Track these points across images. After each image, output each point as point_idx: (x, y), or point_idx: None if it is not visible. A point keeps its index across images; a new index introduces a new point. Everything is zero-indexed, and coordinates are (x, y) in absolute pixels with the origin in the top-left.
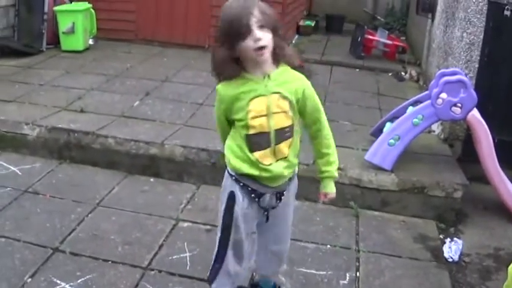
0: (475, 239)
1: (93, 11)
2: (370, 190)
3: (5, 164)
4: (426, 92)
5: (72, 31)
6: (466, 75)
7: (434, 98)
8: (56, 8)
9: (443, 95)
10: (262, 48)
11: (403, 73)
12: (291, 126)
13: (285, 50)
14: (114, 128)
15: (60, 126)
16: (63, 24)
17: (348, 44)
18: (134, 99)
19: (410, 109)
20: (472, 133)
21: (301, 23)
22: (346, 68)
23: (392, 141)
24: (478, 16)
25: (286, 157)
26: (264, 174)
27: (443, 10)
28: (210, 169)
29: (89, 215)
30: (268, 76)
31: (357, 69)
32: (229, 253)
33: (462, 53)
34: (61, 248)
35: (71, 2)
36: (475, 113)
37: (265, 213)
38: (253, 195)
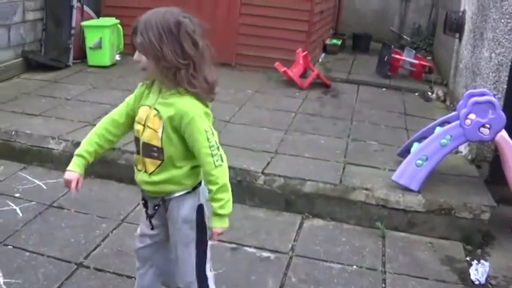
0: (502, 261)
1: (120, 26)
2: (397, 211)
3: (30, 178)
4: (454, 113)
5: (99, 46)
6: (494, 96)
7: (463, 119)
8: (83, 23)
9: (472, 116)
10: (143, 68)
11: (429, 93)
12: (159, 149)
13: (171, 78)
14: None
15: None
16: (90, 39)
17: (375, 63)
18: None
19: (438, 129)
20: (500, 154)
21: (328, 41)
22: (373, 87)
23: (419, 161)
24: (507, 37)
25: (150, 174)
26: (135, 175)
27: (471, 30)
28: (235, 187)
29: (114, 231)
30: (160, 91)
31: (384, 89)
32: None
33: (490, 73)
34: (85, 264)
35: (99, 17)
36: (504, 134)
37: (147, 219)
38: (142, 198)
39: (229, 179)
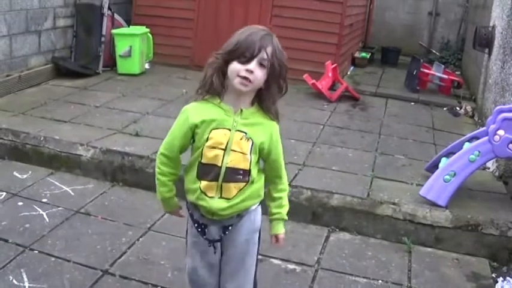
0: None
1: (150, 35)
2: (424, 226)
3: (58, 184)
4: (483, 128)
5: (129, 54)
6: None
7: (492, 135)
8: (114, 31)
9: (501, 132)
10: (246, 79)
11: (458, 108)
12: (247, 172)
13: (272, 103)
14: None
15: (114, 148)
16: (121, 47)
17: (403, 77)
18: None
19: (467, 145)
20: None
21: (357, 54)
22: (401, 101)
23: (448, 177)
24: None
25: (230, 198)
26: (203, 204)
27: (501, 45)
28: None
29: (140, 239)
30: (241, 111)
31: (412, 103)
32: (186, 278)
33: None
34: (111, 271)
35: (129, 26)
36: None
37: (210, 245)
38: (196, 225)
39: None
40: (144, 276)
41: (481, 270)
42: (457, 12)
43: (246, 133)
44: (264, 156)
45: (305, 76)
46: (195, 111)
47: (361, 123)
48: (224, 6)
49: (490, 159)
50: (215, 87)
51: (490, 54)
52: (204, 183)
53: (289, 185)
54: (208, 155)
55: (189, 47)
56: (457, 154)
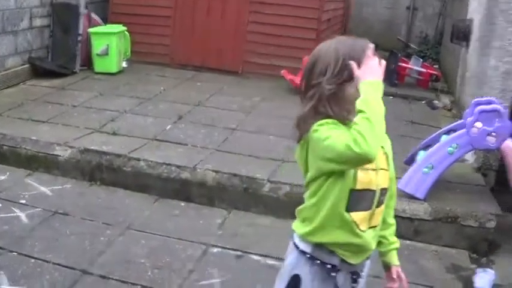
0: (507, 269)
1: (127, 33)
2: (403, 219)
3: (36, 185)
4: (461, 121)
5: (106, 53)
6: (501, 104)
7: (469, 127)
8: (90, 30)
9: (478, 124)
10: None
11: (436, 101)
12: (387, 190)
13: None
14: (146, 151)
15: (92, 148)
16: (97, 46)
17: None
18: (167, 122)
19: (445, 138)
20: (506, 163)
21: None
22: None
23: (426, 169)
24: None
25: (376, 226)
26: (355, 241)
27: (478, 39)
28: (241, 195)
29: (119, 238)
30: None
31: (391, 97)
32: None
33: (497, 82)
34: (90, 271)
35: (106, 24)
36: (510, 142)
37: None
38: (333, 273)
39: (235, 187)
40: (124, 275)
41: (461, 261)
42: (435, 7)
43: (383, 147)
44: (391, 169)
45: (283, 72)
46: (335, 123)
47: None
48: (202, 3)
49: (468, 152)
50: (335, 113)
51: (467, 47)
52: (356, 215)
53: (268, 180)
54: (363, 179)
55: (167, 45)
56: (435, 147)
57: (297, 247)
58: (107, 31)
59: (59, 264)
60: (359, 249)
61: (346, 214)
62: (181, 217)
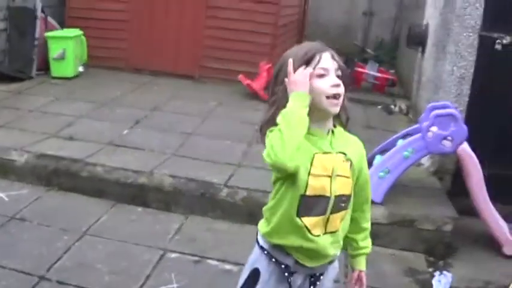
0: (465, 272)
1: (84, 38)
2: None
3: None
4: (416, 125)
5: (62, 57)
6: (456, 108)
7: (425, 131)
8: (47, 34)
9: (434, 128)
10: (335, 96)
11: (392, 106)
12: (348, 197)
13: (347, 111)
14: (103, 156)
15: (48, 153)
16: (54, 51)
17: None
18: (123, 127)
19: (401, 142)
20: (462, 167)
21: None
22: None
23: (382, 174)
24: (469, 50)
25: (335, 231)
26: (308, 245)
27: (434, 44)
28: (198, 199)
29: (76, 244)
30: (332, 132)
31: None
32: None
33: (452, 86)
34: (47, 276)
35: (62, 29)
36: (465, 146)
37: None
38: (286, 273)
39: (192, 192)
40: (81, 281)
41: (418, 265)
42: (391, 11)
43: (345, 154)
44: (357, 176)
45: (240, 77)
46: None
47: None
48: (158, 8)
49: (424, 156)
50: None
51: (423, 52)
52: (308, 220)
53: (225, 185)
54: (315, 185)
55: (123, 49)
56: (391, 151)
57: (258, 242)
58: (63, 35)
59: (15, 270)
60: (314, 253)
61: (297, 219)
62: (139, 222)
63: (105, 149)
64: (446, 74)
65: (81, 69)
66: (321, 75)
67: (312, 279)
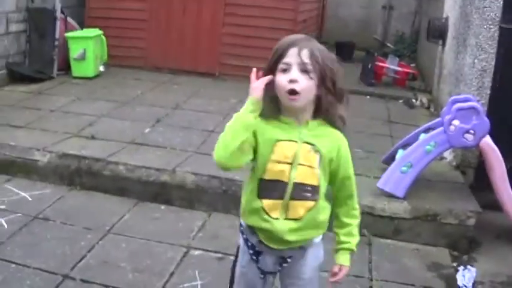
0: (489, 266)
1: (103, 37)
2: (383, 218)
3: (15, 190)
4: (438, 119)
5: (83, 57)
6: (478, 101)
7: (447, 125)
8: (67, 34)
9: (456, 122)
10: (294, 92)
11: (413, 100)
12: (315, 188)
13: (335, 108)
14: (125, 155)
15: (71, 152)
16: (74, 51)
17: (358, 71)
18: (145, 126)
19: (423, 136)
20: (485, 160)
21: None
22: (357, 95)
23: (404, 168)
24: (490, 42)
25: (298, 219)
26: (265, 226)
27: (454, 36)
28: (221, 196)
29: (99, 242)
30: (307, 123)
31: (368, 97)
32: None
33: (474, 79)
34: (71, 275)
35: (82, 29)
36: (488, 139)
37: (262, 276)
38: (251, 251)
39: (214, 189)
40: (105, 279)
41: (442, 259)
42: (410, 5)
43: (314, 145)
44: (332, 171)
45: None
46: (258, 121)
47: None
48: (177, 6)
49: (446, 150)
50: (265, 112)
51: (443, 45)
52: (266, 202)
53: None
54: (273, 169)
55: (143, 48)
56: (413, 145)
57: (240, 221)
58: (83, 35)
59: (39, 269)
60: (272, 235)
61: (257, 200)
62: (161, 220)
63: (127, 147)
64: (467, 67)
65: (101, 68)
66: (283, 70)
67: (281, 260)
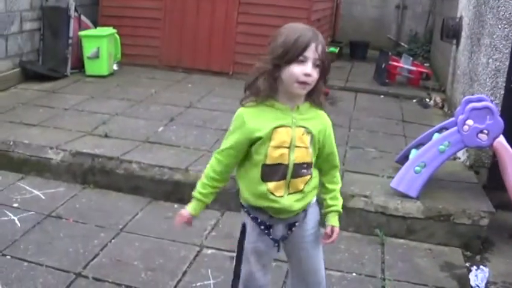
0: (502, 267)
1: (117, 36)
2: (396, 218)
3: (28, 188)
4: (452, 119)
5: (96, 56)
6: (492, 101)
7: (461, 125)
8: (81, 33)
9: (470, 122)
10: (305, 83)
11: (427, 100)
12: (310, 164)
13: (320, 95)
14: (139, 154)
15: (84, 150)
16: (88, 49)
17: (372, 70)
18: (158, 124)
19: (436, 136)
20: (499, 160)
21: None
22: (371, 95)
23: (418, 168)
24: (504, 42)
25: (299, 192)
26: (273, 205)
27: (468, 36)
28: (234, 196)
29: (112, 241)
30: (298, 108)
31: (382, 96)
32: (241, 285)
33: (488, 79)
34: (84, 273)
35: (96, 27)
36: (502, 139)
37: (276, 244)
38: (262, 227)
39: (227, 188)
40: (118, 278)
41: (454, 259)
42: (424, 5)
43: (306, 128)
44: (319, 147)
45: None
46: (252, 114)
47: (330, 118)
48: (191, 5)
49: (460, 149)
50: (264, 92)
51: (457, 45)
52: (271, 184)
53: None
54: (274, 155)
55: (156, 47)
56: (426, 145)
57: (241, 203)
58: (97, 34)
59: (52, 267)
60: (281, 210)
61: (262, 184)
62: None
63: (140, 146)
64: (481, 67)
65: (115, 67)
66: (300, 61)
67: (289, 225)
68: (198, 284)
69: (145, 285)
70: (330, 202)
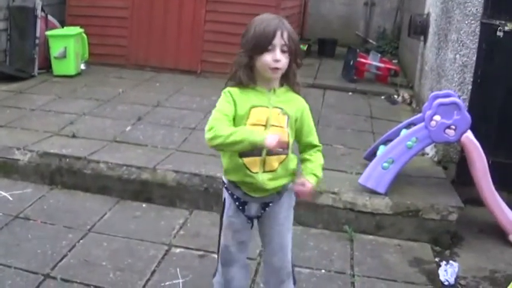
0: (471, 261)
1: (85, 35)
2: (365, 214)
3: None
4: (419, 115)
5: (64, 56)
6: (459, 97)
7: (428, 121)
8: (47, 33)
9: (437, 117)
10: (277, 68)
11: (395, 96)
12: (285, 144)
13: (296, 77)
14: (106, 153)
15: (51, 151)
16: (55, 49)
17: (340, 67)
18: (126, 124)
19: (404, 132)
20: (466, 155)
21: None
22: (339, 92)
23: (386, 164)
24: (471, 38)
25: (273, 171)
26: (248, 180)
27: (436, 32)
28: (202, 194)
29: (80, 241)
30: (274, 90)
31: (350, 93)
32: (219, 257)
33: (455, 74)
34: (52, 275)
35: (63, 27)
36: (469, 134)
37: (249, 221)
38: (237, 203)
39: (196, 187)
40: (86, 278)
41: (424, 255)
42: (392, 1)
43: (282, 109)
44: (297, 129)
45: None
46: (236, 93)
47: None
48: (158, 4)
49: (428, 145)
50: (245, 82)
51: (425, 41)
52: (247, 159)
53: None
54: None
55: (124, 46)
56: (394, 141)
57: (222, 180)
58: (64, 33)
59: (20, 269)
60: (255, 186)
61: (239, 159)
62: (143, 218)
63: (108, 146)
64: (449, 63)
65: (82, 67)
66: (270, 50)
67: (263, 205)
68: (167, 283)
69: (114, 286)
70: (309, 166)
